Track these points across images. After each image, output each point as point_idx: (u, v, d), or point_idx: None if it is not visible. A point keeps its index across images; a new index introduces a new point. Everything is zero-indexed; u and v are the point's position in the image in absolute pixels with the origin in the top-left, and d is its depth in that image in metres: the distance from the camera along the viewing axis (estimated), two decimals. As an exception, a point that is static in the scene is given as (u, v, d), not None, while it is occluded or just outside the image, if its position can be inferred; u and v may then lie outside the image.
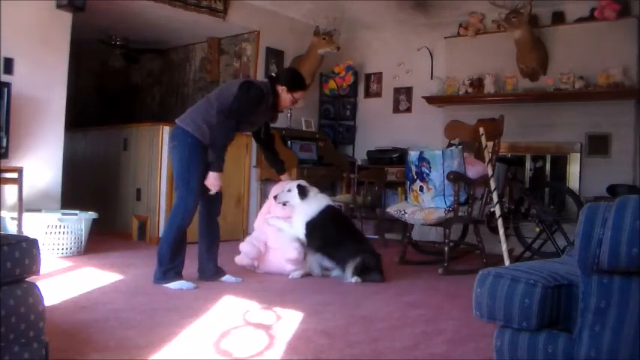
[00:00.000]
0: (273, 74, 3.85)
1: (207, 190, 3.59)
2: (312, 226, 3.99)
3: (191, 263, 3.70)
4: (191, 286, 3.46)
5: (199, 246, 3.76)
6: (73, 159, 5.88)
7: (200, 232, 3.75)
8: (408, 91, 7.09)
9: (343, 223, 4.17)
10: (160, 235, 5.33)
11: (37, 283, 1.74)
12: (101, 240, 5.19)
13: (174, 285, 3.44)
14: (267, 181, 6.21)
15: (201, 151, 3.53)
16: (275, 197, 4.15)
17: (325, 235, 3.98)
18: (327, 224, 4.01)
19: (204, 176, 3.53)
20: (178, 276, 3.51)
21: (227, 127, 3.50)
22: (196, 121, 3.54)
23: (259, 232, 4.21)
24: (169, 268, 3.49)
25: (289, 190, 4.10)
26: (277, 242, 4.07)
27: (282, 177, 4.20)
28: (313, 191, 4.15)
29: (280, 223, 4.11)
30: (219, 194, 3.75)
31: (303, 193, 4.07)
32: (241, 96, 3.53)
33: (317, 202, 4.09)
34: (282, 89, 3.69)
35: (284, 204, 4.13)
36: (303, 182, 4.19)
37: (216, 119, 3.51)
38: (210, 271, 3.73)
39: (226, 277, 3.75)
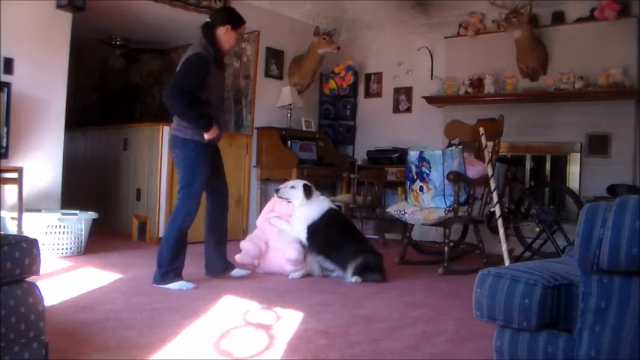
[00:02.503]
0: (207, 21, 3.63)
1: (213, 187, 3.66)
2: (313, 229, 3.98)
3: (191, 263, 3.70)
4: (191, 286, 3.46)
5: (207, 243, 3.78)
6: (73, 159, 5.88)
7: (207, 229, 3.76)
8: (408, 91, 7.09)
9: (344, 226, 4.15)
10: (161, 235, 5.37)
11: (37, 283, 1.73)
12: (101, 240, 5.19)
13: (174, 285, 3.44)
14: (267, 181, 6.22)
15: (204, 151, 3.53)
16: (277, 191, 4.15)
17: (327, 238, 3.97)
18: (328, 227, 4.00)
19: (208, 176, 3.57)
20: (178, 277, 3.50)
21: (179, 106, 3.37)
22: (188, 125, 3.46)
23: (261, 231, 4.21)
24: (168, 270, 3.48)
25: (293, 187, 4.09)
26: (278, 242, 4.07)
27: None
28: (315, 194, 4.14)
29: (282, 224, 4.11)
30: (224, 189, 3.79)
31: (308, 192, 4.06)
32: (180, 70, 3.43)
33: (319, 205, 4.07)
34: (225, 29, 3.51)
35: (288, 201, 4.12)
36: (308, 183, 4.18)
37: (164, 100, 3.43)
38: (220, 267, 3.78)
39: (235, 271, 3.82)
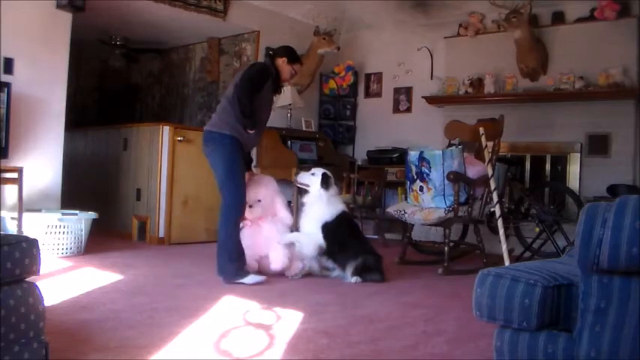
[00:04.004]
0: (270, 52, 4.05)
1: None
2: (325, 231, 3.89)
3: (194, 262, 3.70)
4: (263, 279, 3.63)
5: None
6: (73, 159, 5.88)
7: None
8: (408, 91, 7.09)
9: (350, 227, 4.09)
10: (161, 235, 5.37)
11: (37, 283, 1.74)
12: (101, 240, 5.19)
13: (249, 279, 3.58)
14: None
15: (240, 148, 3.71)
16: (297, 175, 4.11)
17: (334, 239, 3.91)
18: (338, 229, 3.92)
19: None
20: (247, 271, 3.64)
21: (245, 100, 3.62)
22: (229, 122, 3.67)
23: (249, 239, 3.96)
24: (241, 263, 3.62)
25: (313, 174, 4.03)
26: (264, 249, 3.95)
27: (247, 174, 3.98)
28: (333, 190, 4.03)
29: (296, 236, 3.94)
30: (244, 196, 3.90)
31: (325, 182, 3.97)
32: (247, 71, 3.75)
33: (334, 207, 3.97)
34: (282, 61, 3.87)
35: (306, 187, 4.04)
36: (328, 173, 4.06)
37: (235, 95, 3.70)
38: None
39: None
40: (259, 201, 3.95)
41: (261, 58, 6.54)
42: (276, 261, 3.90)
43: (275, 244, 3.92)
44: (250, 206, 3.90)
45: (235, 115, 3.66)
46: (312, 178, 4.02)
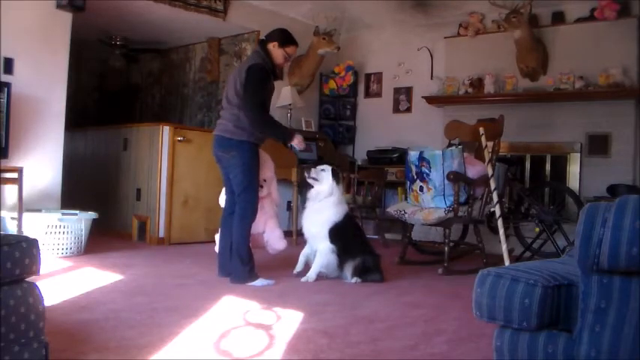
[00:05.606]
0: (263, 38, 3.92)
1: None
2: (332, 232, 3.88)
3: (194, 262, 3.69)
4: (272, 283, 3.65)
5: (222, 244, 3.85)
6: (73, 159, 5.88)
7: (227, 231, 3.82)
8: (408, 91, 7.09)
9: (354, 228, 4.08)
10: (161, 235, 5.37)
11: (37, 283, 1.73)
12: (101, 240, 5.19)
13: (259, 282, 3.62)
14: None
15: (256, 151, 3.77)
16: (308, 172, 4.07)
17: (339, 241, 3.89)
18: (344, 229, 3.91)
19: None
20: (256, 274, 3.67)
21: (263, 122, 3.69)
22: (246, 129, 3.67)
23: None
24: (252, 266, 3.65)
25: (323, 170, 4.01)
26: (259, 227, 3.98)
27: None
28: (340, 189, 4.00)
29: (318, 266, 3.88)
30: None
31: (336, 177, 3.96)
32: (247, 82, 3.63)
33: (341, 207, 3.95)
34: (273, 45, 3.78)
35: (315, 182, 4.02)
36: (337, 169, 4.06)
37: (244, 113, 3.65)
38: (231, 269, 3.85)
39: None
40: (264, 181, 3.99)
41: (261, 58, 6.55)
42: (275, 242, 3.96)
43: (272, 224, 3.99)
44: (261, 187, 3.95)
45: (247, 120, 3.67)
46: (322, 174, 4.01)
